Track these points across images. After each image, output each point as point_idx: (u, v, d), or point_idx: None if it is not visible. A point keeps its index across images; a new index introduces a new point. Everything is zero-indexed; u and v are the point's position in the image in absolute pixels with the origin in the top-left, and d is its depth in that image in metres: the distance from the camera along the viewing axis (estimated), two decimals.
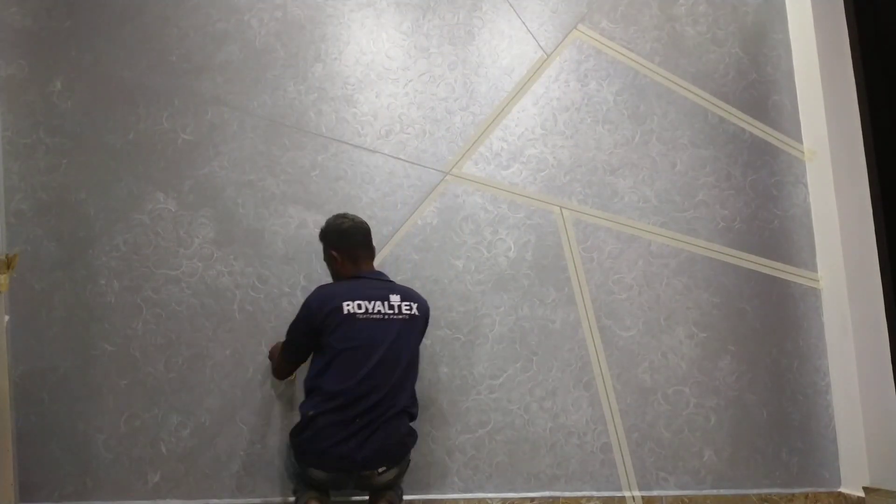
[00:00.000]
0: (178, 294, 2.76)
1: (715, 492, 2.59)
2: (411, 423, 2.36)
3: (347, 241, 2.47)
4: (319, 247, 2.80)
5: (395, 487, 2.39)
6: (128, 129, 2.87)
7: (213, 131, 2.87)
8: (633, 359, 2.69)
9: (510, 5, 2.92)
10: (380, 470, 2.24)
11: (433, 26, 2.92)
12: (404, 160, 2.84)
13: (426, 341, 2.72)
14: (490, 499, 2.62)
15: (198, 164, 2.85)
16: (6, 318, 2.75)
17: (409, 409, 2.33)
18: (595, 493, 2.61)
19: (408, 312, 2.37)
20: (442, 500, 2.62)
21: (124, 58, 2.92)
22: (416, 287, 2.74)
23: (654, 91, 2.84)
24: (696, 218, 2.76)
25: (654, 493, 2.60)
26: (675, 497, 2.59)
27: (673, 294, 2.72)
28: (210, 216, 2.82)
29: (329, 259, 2.52)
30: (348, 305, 2.30)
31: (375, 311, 2.32)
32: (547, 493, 2.62)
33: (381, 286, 2.40)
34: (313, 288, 2.76)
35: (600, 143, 2.82)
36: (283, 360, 2.49)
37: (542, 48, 2.89)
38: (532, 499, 2.61)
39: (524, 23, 2.91)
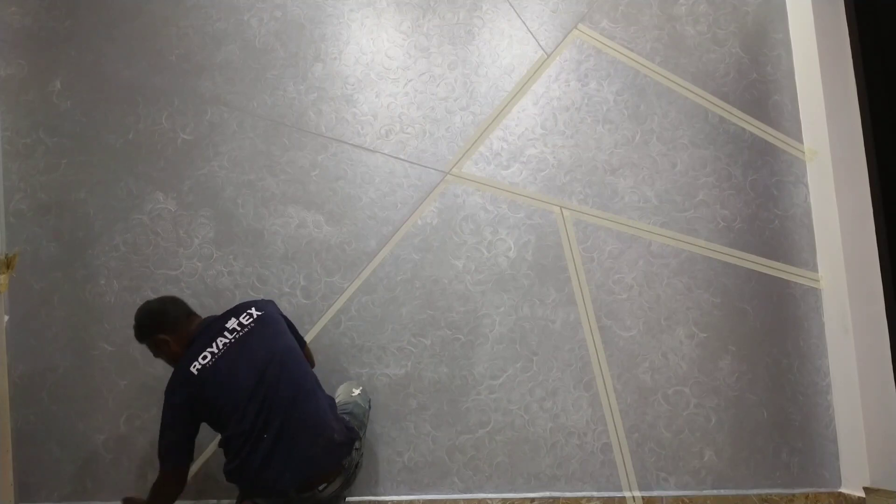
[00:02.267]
0: (177, 294, 2.75)
1: (715, 492, 2.59)
2: (341, 422, 2.26)
3: (166, 317, 2.33)
4: (319, 246, 2.80)
5: (334, 499, 2.29)
6: (127, 128, 2.87)
7: (212, 131, 2.87)
8: (633, 359, 2.69)
9: (510, 5, 2.92)
10: (320, 487, 2.16)
11: (433, 26, 2.92)
12: (404, 160, 2.84)
13: (426, 341, 2.72)
14: (490, 499, 2.61)
15: (197, 163, 2.85)
16: (6, 318, 2.76)
17: (329, 405, 2.25)
18: (595, 494, 2.60)
19: (249, 321, 2.27)
20: (442, 500, 2.62)
21: (124, 58, 2.92)
22: (416, 287, 2.74)
23: (654, 91, 2.84)
24: (696, 218, 2.76)
25: (655, 493, 2.60)
26: (676, 497, 2.58)
27: (673, 294, 2.72)
28: (210, 216, 2.82)
29: (159, 346, 2.32)
30: (195, 365, 2.20)
31: (221, 346, 2.23)
32: (547, 494, 2.61)
33: (215, 324, 2.29)
34: (313, 288, 2.77)
35: (600, 142, 2.82)
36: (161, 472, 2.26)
37: (542, 48, 2.89)
38: (532, 499, 2.61)
39: (524, 22, 2.91)
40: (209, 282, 2.77)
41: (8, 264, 2.76)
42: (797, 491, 2.58)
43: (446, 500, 2.62)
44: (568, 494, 2.60)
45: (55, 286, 2.79)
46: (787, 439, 2.62)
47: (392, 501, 2.63)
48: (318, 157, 2.85)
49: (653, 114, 2.82)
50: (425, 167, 2.84)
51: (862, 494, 2.46)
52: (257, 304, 2.36)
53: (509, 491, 2.62)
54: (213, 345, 2.24)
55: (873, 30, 2.54)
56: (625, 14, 2.88)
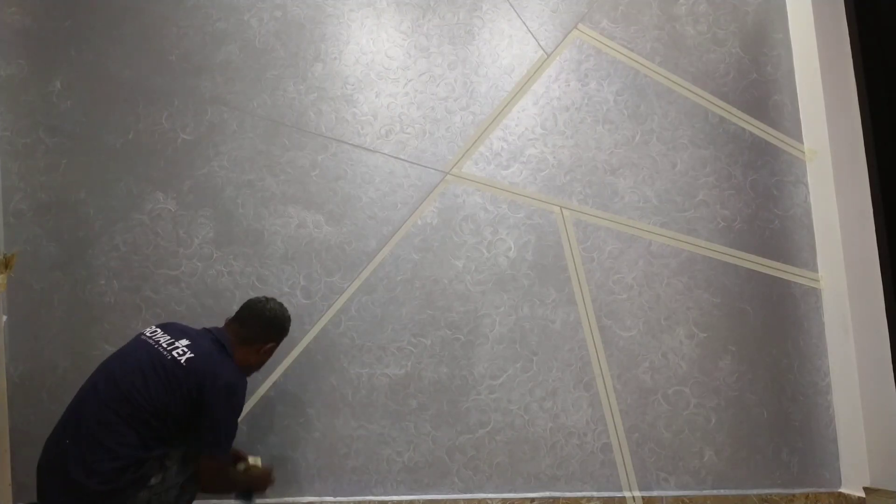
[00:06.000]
0: (177, 294, 2.76)
1: (715, 492, 2.59)
2: (116, 468, 1.94)
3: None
4: (319, 246, 2.80)
5: None
6: (127, 128, 2.87)
7: (212, 131, 2.87)
8: (633, 359, 2.69)
9: (510, 5, 2.92)
10: None
11: (433, 26, 2.92)
12: (404, 160, 2.84)
13: (426, 341, 2.72)
14: (490, 499, 2.61)
15: (197, 163, 2.85)
16: (4, 317, 2.75)
17: (112, 449, 1.96)
18: (595, 494, 2.60)
19: (176, 356, 2.09)
20: (442, 500, 2.62)
21: (124, 57, 2.92)
22: (416, 287, 2.74)
23: (654, 91, 2.84)
24: (696, 218, 2.76)
25: (655, 493, 2.60)
26: (676, 497, 2.58)
27: (673, 294, 2.72)
28: (210, 216, 2.82)
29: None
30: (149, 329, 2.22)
31: (156, 339, 2.15)
32: (547, 494, 2.61)
33: (195, 332, 2.23)
34: (313, 288, 2.77)
35: (600, 142, 2.82)
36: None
37: (542, 48, 2.89)
38: (532, 499, 2.61)
39: (524, 22, 2.91)
40: (209, 282, 2.77)
41: (6, 264, 2.76)
42: (797, 491, 2.58)
43: (446, 500, 2.62)
44: (568, 494, 2.60)
45: (55, 286, 2.79)
46: (787, 439, 2.62)
47: (392, 501, 2.62)
48: (318, 157, 2.85)
49: (653, 114, 2.82)
50: (425, 167, 2.84)
51: (862, 494, 2.46)
52: (197, 365, 2.09)
53: (509, 491, 2.62)
54: (164, 335, 2.18)
55: (873, 30, 2.54)
56: (625, 14, 2.89)
